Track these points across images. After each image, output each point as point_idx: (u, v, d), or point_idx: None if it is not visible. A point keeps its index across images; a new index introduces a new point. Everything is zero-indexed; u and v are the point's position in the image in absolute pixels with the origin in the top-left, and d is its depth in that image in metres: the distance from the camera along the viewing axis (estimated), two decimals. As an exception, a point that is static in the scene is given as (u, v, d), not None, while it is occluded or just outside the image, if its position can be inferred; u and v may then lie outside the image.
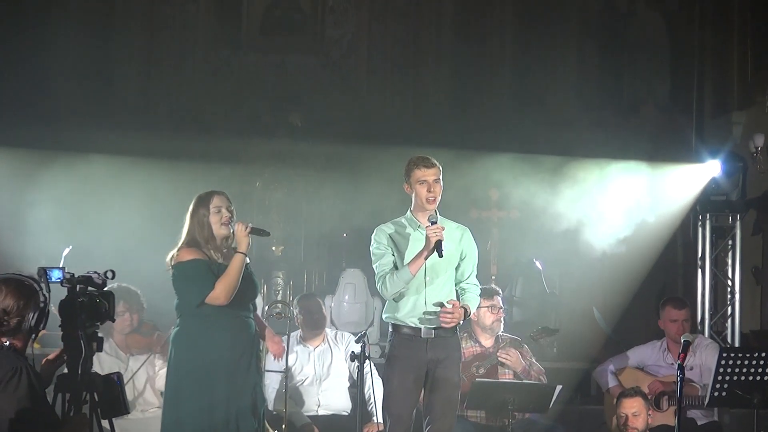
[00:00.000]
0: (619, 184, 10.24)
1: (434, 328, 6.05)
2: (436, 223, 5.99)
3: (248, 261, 6.30)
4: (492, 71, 11.76)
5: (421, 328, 6.06)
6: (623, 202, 10.23)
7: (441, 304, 6.03)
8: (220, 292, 6.03)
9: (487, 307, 7.35)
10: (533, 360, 7.55)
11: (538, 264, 9.95)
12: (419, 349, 6.05)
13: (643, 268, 10.54)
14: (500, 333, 7.54)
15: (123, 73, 11.25)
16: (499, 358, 7.34)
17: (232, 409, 6.05)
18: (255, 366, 6.24)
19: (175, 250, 6.15)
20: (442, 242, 5.91)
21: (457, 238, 6.15)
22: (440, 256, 5.91)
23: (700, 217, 10.62)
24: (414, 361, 6.06)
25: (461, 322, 6.12)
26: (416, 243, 6.08)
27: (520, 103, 11.54)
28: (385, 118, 11.44)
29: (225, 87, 11.42)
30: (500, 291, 7.67)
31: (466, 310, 6.07)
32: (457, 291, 6.20)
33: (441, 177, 6.12)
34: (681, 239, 11.13)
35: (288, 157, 11.06)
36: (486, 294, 7.25)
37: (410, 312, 6.08)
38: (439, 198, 6.12)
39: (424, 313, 6.05)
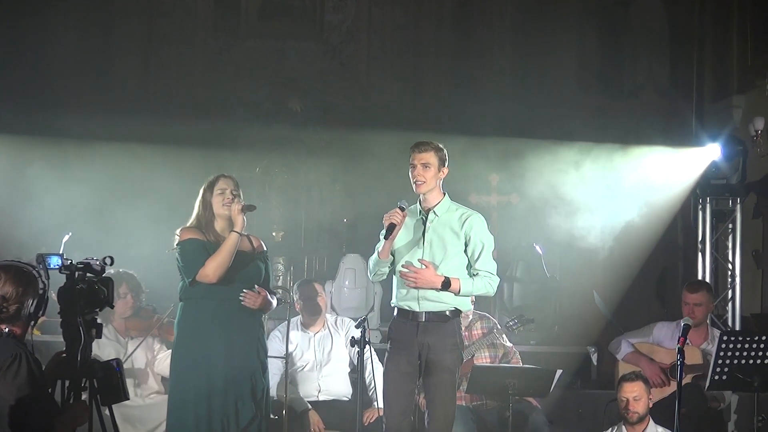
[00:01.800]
0: (620, 168, 10.24)
1: (426, 312, 6.05)
2: (403, 208, 6.01)
3: (265, 248, 6.42)
4: (492, 56, 11.73)
5: (413, 312, 6.07)
6: (624, 187, 10.23)
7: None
8: (210, 269, 6.05)
9: None
10: (505, 340, 7.56)
11: (538, 248, 9.93)
12: (411, 333, 6.06)
13: (643, 252, 10.53)
14: (470, 317, 7.56)
15: (122, 59, 11.23)
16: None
17: (231, 395, 6.06)
18: (255, 351, 6.25)
19: (177, 232, 6.20)
20: (395, 226, 5.97)
21: (459, 224, 6.12)
22: (385, 238, 5.99)
23: (701, 201, 10.60)
24: (406, 344, 6.07)
25: (438, 291, 6.00)
26: (403, 229, 6.13)
27: (520, 88, 11.51)
28: (385, 104, 11.43)
29: (224, 73, 11.40)
30: None
31: (447, 280, 5.98)
32: None
33: (437, 162, 6.07)
34: (681, 223, 11.12)
35: (288, 142, 11.06)
36: None
37: (405, 295, 6.10)
38: (431, 183, 6.07)
39: (417, 297, 6.05)
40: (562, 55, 11.54)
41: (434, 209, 6.12)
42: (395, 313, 6.20)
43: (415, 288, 6.03)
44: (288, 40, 11.68)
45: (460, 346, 6.16)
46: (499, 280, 6.21)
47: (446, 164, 6.13)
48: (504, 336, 7.61)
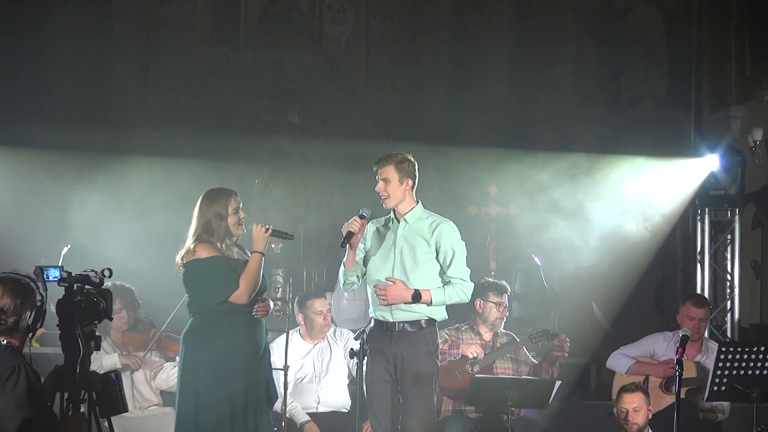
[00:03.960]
0: (618, 180, 10.25)
1: (398, 322, 6.12)
2: (363, 216, 6.09)
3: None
4: (490, 67, 11.74)
5: (386, 323, 6.15)
6: (622, 197, 10.24)
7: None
8: (244, 292, 6.06)
9: (495, 303, 7.34)
10: (531, 359, 7.56)
11: (536, 260, 9.92)
12: (384, 342, 6.15)
13: (642, 263, 10.53)
14: (500, 330, 7.55)
15: (121, 71, 11.20)
16: (554, 354, 7.31)
17: (251, 399, 6.07)
18: (267, 360, 6.29)
19: (190, 246, 6.10)
20: (354, 234, 6.06)
21: (429, 232, 6.16)
22: (341, 246, 6.12)
23: (699, 212, 10.63)
24: (381, 354, 6.15)
25: (407, 303, 6.07)
26: (378, 236, 6.25)
27: (518, 99, 11.53)
28: (384, 115, 11.43)
29: (223, 85, 11.39)
30: (509, 289, 7.63)
31: (416, 293, 6.04)
32: None
33: (396, 175, 6.12)
34: (680, 234, 11.13)
35: (287, 154, 11.07)
36: (497, 290, 7.30)
37: (378, 306, 6.18)
38: (396, 196, 6.14)
39: (390, 307, 6.11)
40: (560, 66, 11.57)
41: (405, 217, 6.19)
42: (371, 323, 6.27)
43: (386, 305, 6.09)
44: (287, 51, 11.68)
45: (435, 354, 6.19)
46: (472, 285, 6.28)
47: (412, 175, 6.18)
48: (525, 350, 7.57)
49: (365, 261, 6.27)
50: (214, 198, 6.20)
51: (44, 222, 9.48)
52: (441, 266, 6.16)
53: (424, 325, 6.13)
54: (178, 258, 6.15)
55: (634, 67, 11.82)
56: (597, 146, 10.64)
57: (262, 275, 6.21)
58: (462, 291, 6.16)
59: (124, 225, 9.66)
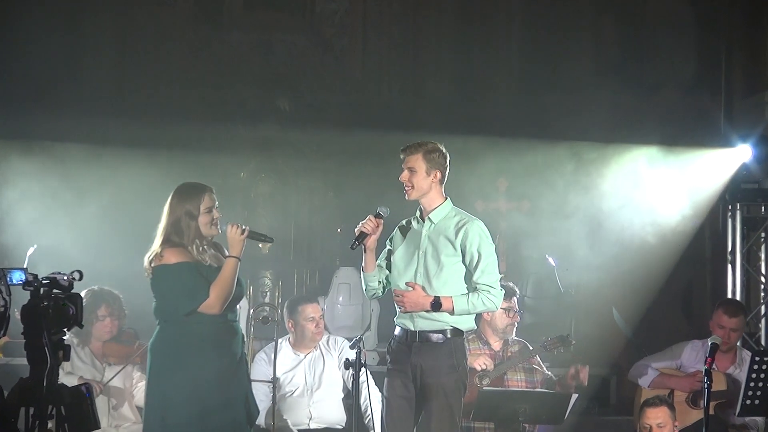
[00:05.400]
0: (641, 172, 10.23)
1: (420, 332, 6.08)
2: (380, 216, 6.09)
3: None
4: (499, 50, 11.74)
5: (408, 332, 6.11)
6: (645, 192, 10.23)
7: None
8: (215, 301, 6.00)
9: (504, 309, 7.31)
10: (545, 369, 7.54)
11: (551, 260, 9.91)
12: (404, 353, 6.11)
13: (667, 264, 10.52)
14: (510, 338, 7.53)
15: (95, 54, 11.19)
16: (569, 382, 7.30)
17: (228, 419, 6.02)
18: (244, 372, 6.26)
19: (156, 250, 6.06)
20: (367, 235, 6.07)
21: (455, 232, 6.11)
22: (351, 248, 6.12)
23: (730, 207, 10.61)
24: (400, 365, 6.12)
25: (428, 312, 6.03)
26: (403, 237, 6.22)
27: (530, 84, 11.52)
28: (382, 102, 11.46)
29: (206, 68, 11.39)
30: (517, 291, 7.62)
31: (436, 300, 6.00)
32: None
33: (424, 165, 6.09)
34: (709, 231, 11.11)
35: (276, 145, 11.06)
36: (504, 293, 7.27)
37: (400, 313, 6.16)
38: (421, 188, 6.11)
39: (411, 315, 6.08)
40: (576, 48, 11.56)
41: (430, 216, 6.14)
42: (395, 330, 6.23)
43: (405, 312, 6.08)
44: (276, 32, 11.69)
45: (459, 369, 6.12)
46: (503, 292, 6.20)
47: (441, 167, 6.14)
48: (539, 359, 7.57)
49: (390, 265, 6.25)
50: (185, 194, 6.16)
51: (7, 220, 9.45)
52: (467, 270, 6.12)
53: (448, 336, 6.08)
54: (146, 261, 6.11)
55: (658, 50, 11.79)
56: (617, 136, 10.63)
57: (239, 281, 6.16)
58: (489, 299, 6.07)
59: (96, 222, 9.65)
